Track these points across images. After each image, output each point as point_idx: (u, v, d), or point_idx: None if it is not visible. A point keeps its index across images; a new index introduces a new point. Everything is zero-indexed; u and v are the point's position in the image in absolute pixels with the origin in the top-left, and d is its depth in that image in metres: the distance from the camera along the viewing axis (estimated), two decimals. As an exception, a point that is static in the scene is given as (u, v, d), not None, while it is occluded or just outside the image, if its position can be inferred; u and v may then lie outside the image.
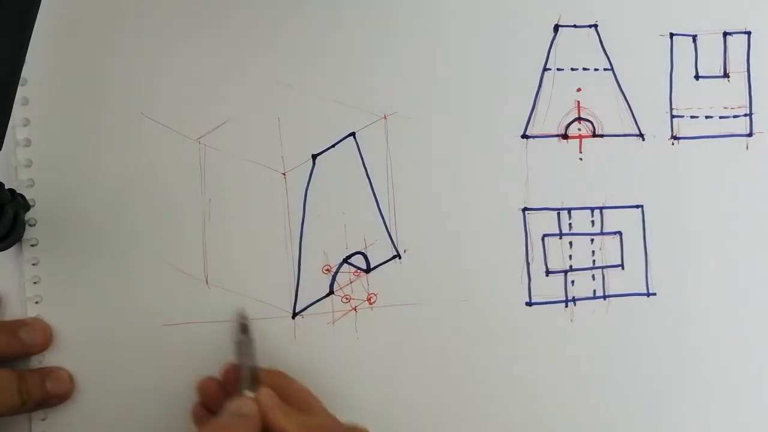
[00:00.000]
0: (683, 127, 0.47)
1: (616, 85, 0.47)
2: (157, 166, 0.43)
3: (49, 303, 0.42)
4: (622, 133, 0.47)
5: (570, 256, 0.46)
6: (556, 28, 0.46)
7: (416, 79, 0.45)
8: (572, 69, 0.46)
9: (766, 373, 0.48)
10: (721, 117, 0.48)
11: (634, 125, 0.47)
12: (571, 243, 0.46)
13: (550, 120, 0.46)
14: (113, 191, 0.42)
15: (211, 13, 0.43)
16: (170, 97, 0.43)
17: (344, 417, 0.43)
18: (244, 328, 0.42)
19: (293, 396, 0.40)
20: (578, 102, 0.46)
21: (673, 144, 0.47)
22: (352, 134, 0.44)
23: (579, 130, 0.46)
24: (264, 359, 0.41)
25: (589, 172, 0.46)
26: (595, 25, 0.46)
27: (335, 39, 0.44)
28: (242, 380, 0.39)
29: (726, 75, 0.48)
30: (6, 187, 0.39)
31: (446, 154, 0.45)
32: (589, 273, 0.47)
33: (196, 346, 0.43)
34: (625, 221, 0.47)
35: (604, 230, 0.47)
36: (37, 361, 0.42)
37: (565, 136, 0.46)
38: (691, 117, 0.47)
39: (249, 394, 0.38)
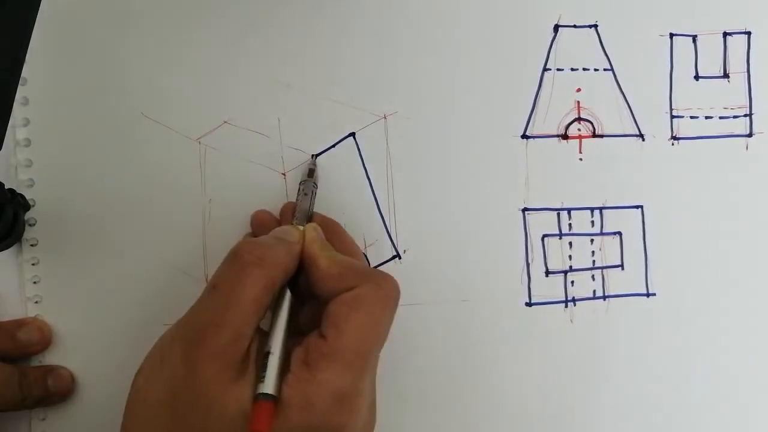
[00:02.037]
0: (683, 128, 0.47)
1: (616, 85, 0.47)
2: (157, 166, 0.43)
3: (49, 303, 0.42)
4: (622, 133, 0.47)
5: (570, 257, 0.46)
6: (556, 28, 0.46)
7: (416, 79, 0.45)
8: (572, 69, 0.46)
9: (766, 373, 0.48)
10: (721, 117, 0.48)
11: (634, 125, 0.47)
12: (571, 243, 0.46)
13: (550, 120, 0.46)
14: (113, 191, 0.42)
15: (211, 12, 0.43)
16: (170, 97, 0.43)
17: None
18: (310, 172, 0.42)
19: (340, 242, 0.40)
20: (578, 102, 0.46)
21: (673, 144, 0.47)
22: (352, 134, 0.44)
23: (579, 130, 0.46)
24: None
25: (589, 172, 0.46)
26: (595, 25, 0.46)
27: (335, 39, 0.44)
28: (296, 216, 0.40)
29: (726, 75, 0.48)
30: (6, 187, 0.39)
31: (446, 154, 0.45)
32: (589, 273, 0.47)
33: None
34: (625, 221, 0.47)
35: (604, 230, 0.47)
36: (37, 361, 0.42)
37: (565, 136, 0.46)
38: (691, 117, 0.47)
39: (298, 226, 0.38)
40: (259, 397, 0.32)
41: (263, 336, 0.35)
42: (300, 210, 0.40)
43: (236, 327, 0.33)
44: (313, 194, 0.42)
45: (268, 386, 0.32)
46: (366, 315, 0.34)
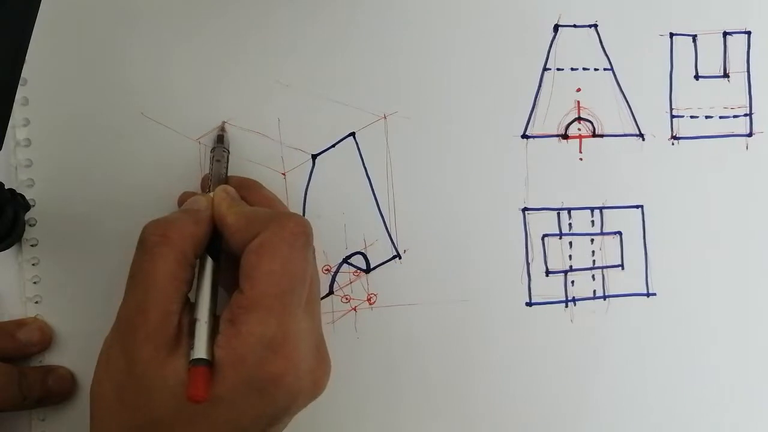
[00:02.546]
0: (683, 127, 0.47)
1: (616, 85, 0.47)
2: (157, 166, 0.43)
3: (49, 303, 0.42)
4: (622, 133, 0.47)
5: (570, 256, 0.46)
6: (556, 28, 0.46)
7: (416, 79, 0.45)
8: (572, 69, 0.46)
9: (766, 373, 0.48)
10: (721, 117, 0.48)
11: (634, 125, 0.47)
12: (571, 243, 0.46)
13: (550, 120, 0.46)
14: (113, 191, 0.42)
15: (211, 13, 0.43)
16: (170, 97, 0.43)
17: (343, 417, 0.44)
18: (220, 138, 0.42)
19: (257, 197, 0.40)
20: (578, 102, 0.46)
21: (673, 144, 0.47)
22: (352, 134, 0.44)
23: (579, 130, 0.46)
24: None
25: (589, 172, 0.46)
26: (595, 25, 0.46)
27: (335, 39, 0.44)
28: (211, 184, 0.39)
29: (726, 75, 0.48)
30: (6, 187, 0.39)
31: (446, 154, 0.45)
32: (589, 273, 0.47)
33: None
34: (625, 221, 0.47)
35: (604, 230, 0.47)
36: (37, 361, 0.42)
37: (565, 136, 0.46)
38: (691, 117, 0.47)
39: (209, 194, 0.38)
40: (191, 363, 0.33)
41: (193, 308, 0.35)
42: (214, 177, 0.40)
43: (160, 307, 0.33)
44: (226, 159, 0.41)
45: (198, 351, 0.33)
46: (274, 257, 0.34)
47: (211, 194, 0.38)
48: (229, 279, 0.37)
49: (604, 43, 0.46)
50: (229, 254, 0.37)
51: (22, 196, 0.40)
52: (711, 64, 0.47)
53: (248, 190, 0.40)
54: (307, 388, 0.35)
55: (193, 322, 0.34)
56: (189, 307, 0.35)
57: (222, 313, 0.34)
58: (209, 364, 0.33)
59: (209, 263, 0.36)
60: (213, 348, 0.33)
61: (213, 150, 0.42)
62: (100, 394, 0.34)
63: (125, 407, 0.33)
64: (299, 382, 0.34)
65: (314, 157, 0.44)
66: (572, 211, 0.46)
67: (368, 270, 0.44)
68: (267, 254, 0.34)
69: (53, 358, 0.42)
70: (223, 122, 0.43)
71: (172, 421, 0.33)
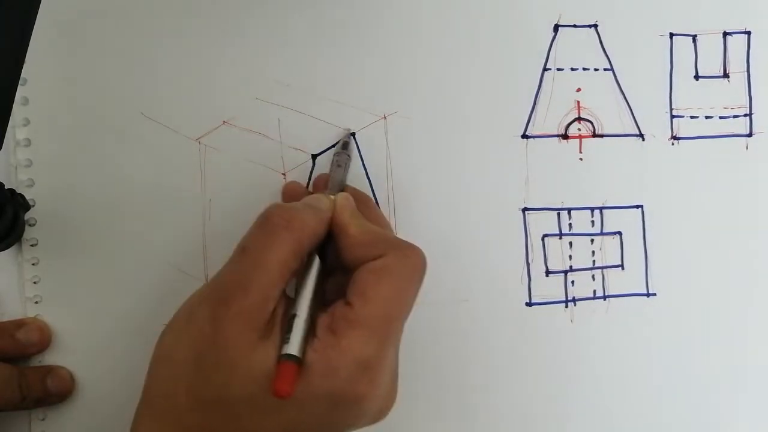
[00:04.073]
0: (683, 127, 0.47)
1: (616, 85, 0.47)
2: (157, 166, 0.43)
3: (49, 303, 0.42)
4: (622, 133, 0.47)
5: (570, 257, 0.46)
6: (556, 28, 0.46)
7: (416, 79, 0.45)
8: (572, 69, 0.46)
9: (766, 373, 0.48)
10: (721, 117, 0.48)
11: (634, 125, 0.47)
12: (571, 243, 0.46)
13: (550, 120, 0.46)
14: (113, 191, 0.42)
15: (212, 13, 0.43)
16: (170, 97, 0.43)
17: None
18: (345, 144, 0.43)
19: (370, 214, 0.40)
20: (578, 102, 0.46)
21: (673, 144, 0.47)
22: (352, 134, 0.44)
23: (579, 130, 0.46)
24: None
25: (589, 172, 0.46)
26: (595, 25, 0.46)
27: (335, 39, 0.44)
28: (329, 187, 0.40)
29: (726, 75, 0.48)
30: (6, 187, 0.39)
31: (446, 154, 0.45)
32: (589, 273, 0.47)
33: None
34: (625, 221, 0.47)
35: (604, 230, 0.47)
36: (36, 361, 0.42)
37: (565, 136, 0.46)
38: (691, 117, 0.47)
39: (330, 195, 0.38)
40: (283, 358, 0.32)
41: (289, 301, 0.35)
42: (333, 180, 0.40)
43: (262, 289, 0.33)
44: (347, 166, 0.42)
45: (293, 347, 0.32)
46: (392, 284, 0.34)
47: (332, 197, 0.38)
48: (327, 287, 0.37)
49: (604, 43, 0.46)
50: (335, 265, 0.37)
51: (22, 196, 0.40)
52: (711, 64, 0.47)
53: (362, 205, 0.39)
54: (375, 414, 0.35)
55: (290, 316, 0.34)
56: (284, 299, 0.35)
57: (321, 318, 0.34)
58: (300, 362, 0.32)
59: (316, 263, 0.36)
60: (306, 348, 0.33)
61: (337, 154, 0.42)
62: (174, 349, 0.34)
63: (201, 375, 0.33)
64: (373, 407, 0.34)
65: (314, 157, 0.44)
66: (572, 211, 0.46)
67: (368, 270, 0.44)
68: (387, 278, 0.34)
69: (53, 358, 0.42)
70: (351, 131, 0.43)
71: (242, 406, 0.32)
